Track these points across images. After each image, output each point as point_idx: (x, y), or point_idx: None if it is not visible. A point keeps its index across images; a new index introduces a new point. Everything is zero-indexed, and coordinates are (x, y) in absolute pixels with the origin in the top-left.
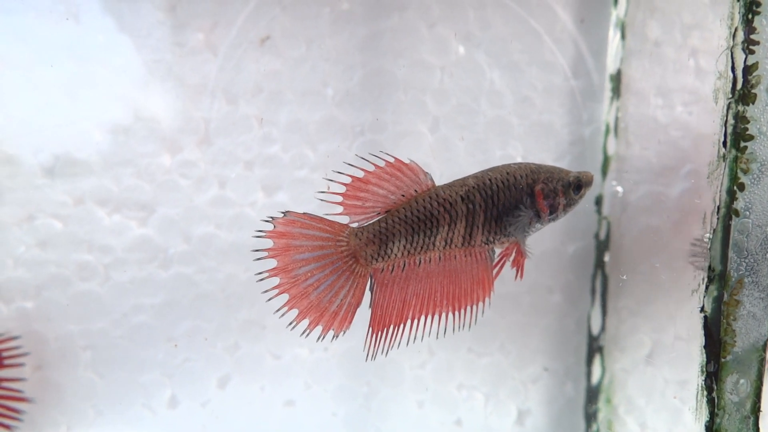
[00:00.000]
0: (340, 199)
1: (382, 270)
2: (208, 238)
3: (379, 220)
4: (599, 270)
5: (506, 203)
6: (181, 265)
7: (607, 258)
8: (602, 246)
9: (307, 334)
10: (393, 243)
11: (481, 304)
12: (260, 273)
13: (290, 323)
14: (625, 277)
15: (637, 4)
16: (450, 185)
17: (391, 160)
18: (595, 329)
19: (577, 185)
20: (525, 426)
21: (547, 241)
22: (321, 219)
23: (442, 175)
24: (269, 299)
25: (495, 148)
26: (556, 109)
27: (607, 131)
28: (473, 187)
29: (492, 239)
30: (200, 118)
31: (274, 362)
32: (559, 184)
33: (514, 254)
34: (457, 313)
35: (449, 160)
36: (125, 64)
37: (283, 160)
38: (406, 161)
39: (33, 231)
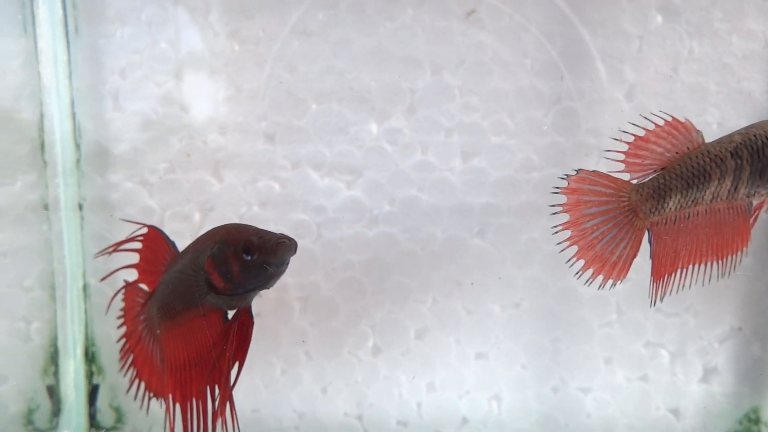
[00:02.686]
0: (621, 157)
1: (657, 224)
2: (410, 201)
3: (656, 176)
4: None
5: None
6: (385, 225)
7: None
8: None
9: (590, 283)
10: (669, 198)
11: (739, 253)
12: (555, 226)
13: (576, 273)
14: None
15: None
16: (718, 142)
17: (669, 119)
18: None
19: None
20: (711, 384)
21: None
22: (608, 176)
23: None
24: (562, 251)
25: (691, 115)
26: (755, 76)
27: None
28: (740, 144)
29: (753, 192)
30: (407, 89)
31: (468, 317)
32: None
33: None
34: (720, 262)
35: None
36: (342, 39)
37: (482, 128)
38: (682, 119)
39: (255, 192)
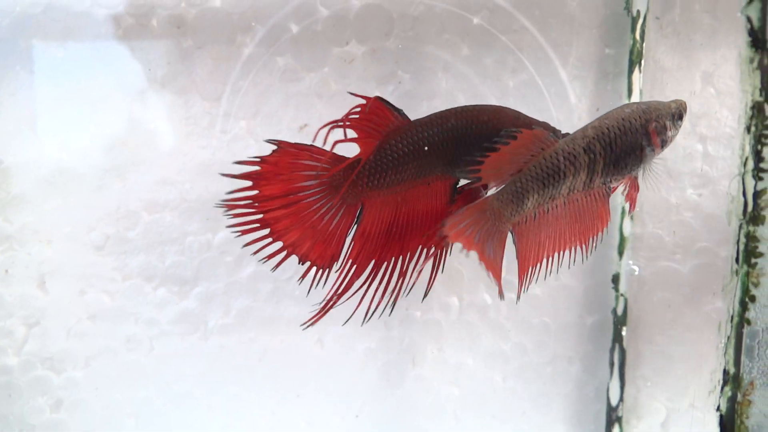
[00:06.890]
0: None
1: (519, 223)
2: (246, 311)
3: (513, 181)
4: (617, 344)
5: (624, 147)
6: (221, 336)
7: (624, 332)
8: (620, 321)
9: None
10: (527, 199)
11: (600, 234)
12: None
13: None
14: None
15: (650, 95)
16: (572, 138)
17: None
18: (614, 400)
19: (679, 115)
20: None
21: (567, 314)
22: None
23: None
24: None
25: None
26: None
27: (623, 213)
28: (593, 138)
29: (609, 180)
30: None
31: (308, 429)
32: (667, 119)
33: (627, 188)
34: (583, 245)
35: None
36: (173, 149)
37: None
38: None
39: (84, 305)
